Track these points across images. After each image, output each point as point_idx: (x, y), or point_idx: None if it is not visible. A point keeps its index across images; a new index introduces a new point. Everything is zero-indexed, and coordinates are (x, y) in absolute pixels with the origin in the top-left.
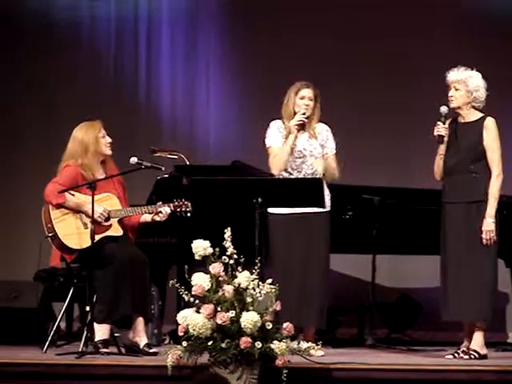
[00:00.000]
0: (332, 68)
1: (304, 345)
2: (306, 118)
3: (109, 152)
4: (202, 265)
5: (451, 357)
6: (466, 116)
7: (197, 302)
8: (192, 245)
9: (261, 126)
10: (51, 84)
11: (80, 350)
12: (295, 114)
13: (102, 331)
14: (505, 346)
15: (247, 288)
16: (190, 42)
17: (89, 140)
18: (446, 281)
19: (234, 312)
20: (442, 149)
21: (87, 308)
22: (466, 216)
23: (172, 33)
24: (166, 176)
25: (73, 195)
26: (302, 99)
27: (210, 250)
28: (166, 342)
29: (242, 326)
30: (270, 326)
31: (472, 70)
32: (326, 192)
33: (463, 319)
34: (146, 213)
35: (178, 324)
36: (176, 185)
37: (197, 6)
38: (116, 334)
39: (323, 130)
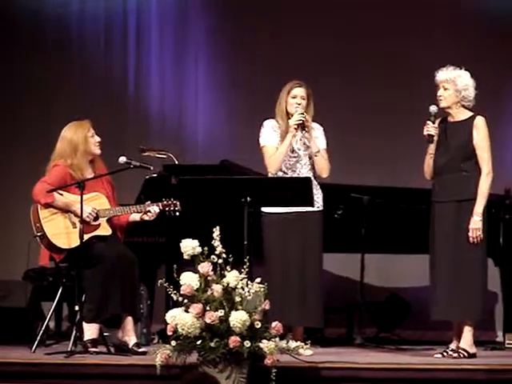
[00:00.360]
0: (327, 67)
1: (293, 344)
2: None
3: (98, 151)
4: (191, 264)
5: (440, 356)
6: (455, 115)
7: (185, 301)
8: (181, 244)
9: (249, 126)
10: (47, 83)
11: (69, 349)
12: (287, 113)
13: (91, 330)
14: (494, 345)
15: (236, 287)
16: (179, 40)
17: (78, 140)
18: (435, 280)
19: (222, 311)
20: (431, 148)
21: (76, 307)
22: (456, 215)
23: (161, 29)
24: (155, 175)
25: (61, 195)
26: (294, 98)
27: (199, 250)
28: (155, 341)
29: (231, 326)
30: (258, 325)
31: (461, 69)
32: (319, 191)
33: (452, 319)
34: (134, 212)
35: (166, 323)
36: (165, 184)
37: (185, 2)
38: (105, 334)
39: (315, 129)
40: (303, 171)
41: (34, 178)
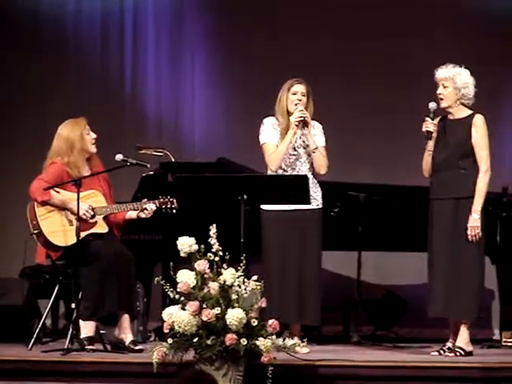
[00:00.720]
0: (325, 66)
1: (289, 342)
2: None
3: (94, 150)
4: (188, 262)
5: (437, 354)
6: (455, 113)
7: (182, 299)
8: (177, 242)
9: (246, 124)
10: (44, 83)
11: (66, 347)
12: (288, 110)
13: (87, 328)
14: (490, 343)
15: (232, 285)
16: (176, 39)
17: (74, 137)
18: (433, 278)
19: (219, 309)
20: (430, 145)
21: (73, 305)
22: (454, 212)
23: (157, 29)
24: (152, 173)
25: (58, 192)
26: (294, 94)
27: (196, 247)
28: (152, 339)
29: (228, 323)
30: (255, 322)
31: (461, 67)
32: (318, 189)
33: (449, 316)
34: (131, 210)
35: (163, 321)
36: (161, 182)
37: (181, 2)
38: (101, 331)
39: (314, 127)
40: (303, 169)
41: (31, 175)
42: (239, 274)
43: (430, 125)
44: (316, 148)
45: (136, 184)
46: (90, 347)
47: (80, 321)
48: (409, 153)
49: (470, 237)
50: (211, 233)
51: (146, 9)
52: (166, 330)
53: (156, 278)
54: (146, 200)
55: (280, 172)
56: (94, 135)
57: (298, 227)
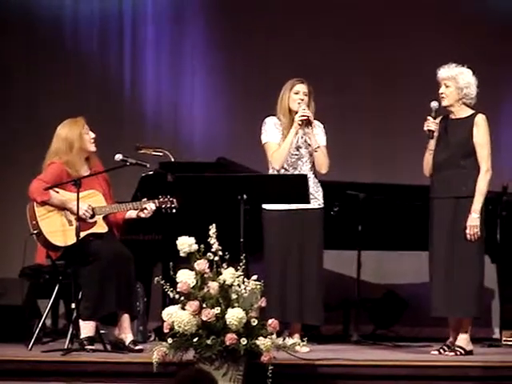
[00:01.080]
0: (323, 64)
1: (289, 341)
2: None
3: (93, 148)
4: (187, 262)
5: (437, 353)
6: (456, 112)
7: (182, 298)
8: (177, 242)
9: (246, 124)
10: (43, 83)
11: (66, 347)
12: (290, 109)
13: (87, 328)
14: (490, 342)
15: (232, 285)
16: (175, 38)
17: (73, 137)
18: (434, 277)
19: (219, 309)
20: (431, 144)
21: (73, 305)
22: (455, 211)
23: (157, 29)
24: (151, 173)
25: (57, 192)
26: (296, 94)
27: (195, 247)
28: (152, 338)
29: (228, 323)
30: (255, 322)
31: (463, 66)
32: (319, 189)
33: (451, 315)
34: (130, 209)
35: (163, 321)
36: (161, 182)
37: (182, 2)
38: (101, 331)
39: (316, 126)
40: (304, 168)
41: (30, 176)
42: (239, 273)
43: (431, 124)
44: (318, 147)
45: (136, 184)
46: (90, 347)
47: (80, 321)
48: (408, 152)
49: (468, 236)
50: (211, 232)
51: (146, 9)
52: (165, 330)
53: (156, 278)
54: (145, 199)
55: (282, 171)
56: (93, 134)
57: (300, 227)
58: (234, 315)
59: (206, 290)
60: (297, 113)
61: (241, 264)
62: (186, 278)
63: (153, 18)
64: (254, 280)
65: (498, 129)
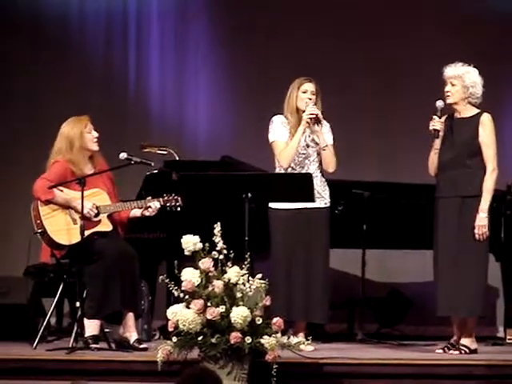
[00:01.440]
0: (324, 64)
1: (294, 340)
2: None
3: (95, 147)
4: (192, 260)
5: (441, 351)
6: (462, 111)
7: (187, 297)
8: (181, 240)
9: (250, 122)
10: (48, 81)
11: (70, 345)
12: (297, 108)
13: (92, 327)
14: (495, 340)
15: (237, 283)
16: (180, 37)
17: (74, 135)
18: (439, 276)
19: (223, 307)
20: (437, 143)
21: (77, 304)
22: (460, 211)
23: (161, 26)
24: (156, 171)
25: (61, 191)
26: (304, 93)
27: (200, 246)
28: (156, 337)
29: (232, 321)
30: (259, 320)
31: (469, 65)
32: (326, 188)
33: (456, 315)
34: (135, 208)
35: (167, 319)
36: (165, 180)
37: (185, 0)
38: (106, 330)
39: (322, 125)
40: (312, 167)
41: (32, 175)
42: (244, 272)
43: (437, 123)
44: (326, 146)
45: (140, 182)
46: (95, 346)
47: (84, 319)
48: (413, 151)
49: (477, 236)
50: (215, 231)
51: (150, 7)
52: (170, 329)
53: (160, 277)
54: (150, 198)
55: (289, 170)
56: (96, 134)
57: (307, 226)
58: (239, 314)
59: (210, 288)
60: (304, 112)
61: (246, 262)
62: (190, 276)
63: (157, 16)
64: (259, 279)
65: (501, 127)
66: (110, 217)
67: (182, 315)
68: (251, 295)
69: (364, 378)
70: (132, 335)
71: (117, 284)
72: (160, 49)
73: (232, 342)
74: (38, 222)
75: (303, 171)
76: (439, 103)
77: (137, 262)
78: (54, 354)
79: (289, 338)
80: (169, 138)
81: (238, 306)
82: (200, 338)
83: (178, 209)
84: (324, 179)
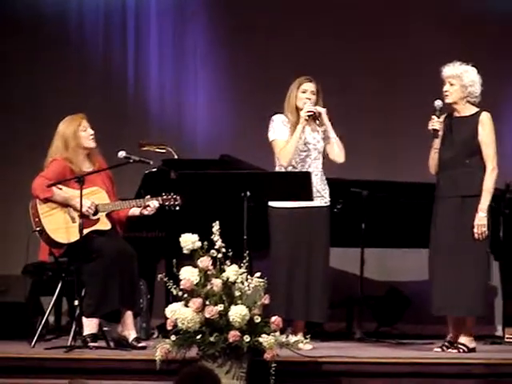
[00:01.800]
0: (324, 63)
1: (292, 338)
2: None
3: (92, 145)
4: (191, 259)
5: (439, 350)
6: (461, 111)
7: (185, 295)
8: (180, 239)
9: (249, 121)
10: (47, 80)
11: (69, 344)
12: (297, 108)
13: (90, 325)
14: (493, 339)
15: (235, 282)
16: (178, 35)
17: (68, 135)
18: (436, 275)
19: (222, 306)
20: (436, 143)
21: (76, 302)
22: (459, 210)
23: (160, 25)
24: (154, 170)
25: (60, 189)
26: (303, 93)
27: (199, 244)
28: (155, 336)
29: (231, 320)
30: (258, 319)
31: (468, 64)
32: (326, 186)
33: (455, 314)
34: (134, 206)
35: (166, 318)
36: (164, 179)
37: None
38: (105, 328)
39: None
40: (313, 166)
41: (34, 174)
42: (242, 270)
43: (435, 123)
44: (334, 137)
45: (139, 181)
46: (93, 344)
47: (83, 318)
48: (412, 149)
49: (476, 235)
50: (214, 229)
51: (149, 5)
52: (169, 327)
53: (159, 275)
54: (148, 197)
55: (289, 169)
56: (92, 131)
57: (307, 225)
58: (238, 312)
59: (209, 287)
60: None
61: (244, 261)
62: (189, 275)
63: (156, 14)
64: (258, 277)
65: (500, 126)
66: (108, 215)
67: (180, 314)
68: (250, 294)
69: (363, 376)
70: (131, 334)
71: (115, 282)
72: (159, 47)
73: (230, 340)
74: (37, 220)
75: (304, 169)
76: (438, 103)
77: (135, 260)
78: (53, 352)
79: (287, 336)
80: (167, 137)
81: (236, 304)
82: (198, 337)
83: (177, 208)
84: (324, 178)
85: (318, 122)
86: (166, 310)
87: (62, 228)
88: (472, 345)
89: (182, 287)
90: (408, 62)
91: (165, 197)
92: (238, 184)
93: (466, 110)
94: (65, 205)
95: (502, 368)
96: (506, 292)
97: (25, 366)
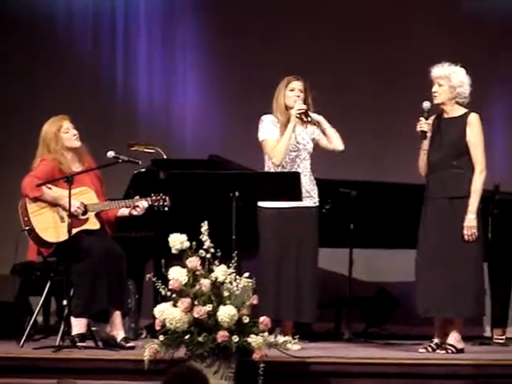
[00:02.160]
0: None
1: (281, 339)
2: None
3: (76, 144)
4: (179, 259)
5: (424, 350)
6: (449, 111)
7: (174, 295)
8: (169, 239)
9: (238, 122)
10: (37, 80)
11: (57, 344)
12: (286, 107)
13: (79, 325)
14: (482, 340)
15: (224, 282)
16: (167, 37)
17: (50, 138)
18: (424, 277)
19: (211, 306)
20: (425, 144)
21: (64, 302)
22: (448, 212)
23: (149, 25)
24: (143, 170)
25: (50, 189)
26: (292, 91)
27: (187, 244)
28: (143, 336)
29: (219, 320)
30: (246, 319)
31: (456, 65)
32: (315, 187)
33: (444, 315)
34: (123, 207)
35: (154, 318)
36: (153, 179)
37: (173, 0)
38: (93, 328)
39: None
40: (302, 166)
41: (23, 172)
42: (231, 270)
43: (424, 125)
44: (329, 126)
45: (128, 181)
46: (82, 344)
47: (71, 318)
48: (401, 150)
49: (466, 237)
50: (203, 230)
51: (138, 7)
52: (157, 327)
53: (148, 275)
54: (138, 197)
55: (279, 169)
56: (75, 131)
57: (296, 225)
58: (226, 312)
59: (197, 287)
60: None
61: (233, 261)
62: (177, 275)
63: (145, 16)
64: (246, 277)
65: (490, 127)
66: (97, 215)
67: (168, 314)
68: (238, 294)
69: (351, 377)
70: (119, 334)
71: (104, 282)
72: (148, 48)
73: (219, 340)
74: (26, 219)
75: (293, 169)
76: (425, 104)
77: (124, 260)
78: (41, 352)
79: (276, 337)
80: (156, 138)
81: (225, 304)
82: (187, 337)
83: (166, 209)
84: (313, 178)
85: (308, 119)
86: (155, 310)
87: (51, 227)
88: (460, 346)
89: (170, 287)
90: (408, 62)
91: (154, 197)
92: (226, 184)
93: (454, 110)
94: (54, 204)
95: (491, 369)
96: (494, 293)
97: (13, 366)
